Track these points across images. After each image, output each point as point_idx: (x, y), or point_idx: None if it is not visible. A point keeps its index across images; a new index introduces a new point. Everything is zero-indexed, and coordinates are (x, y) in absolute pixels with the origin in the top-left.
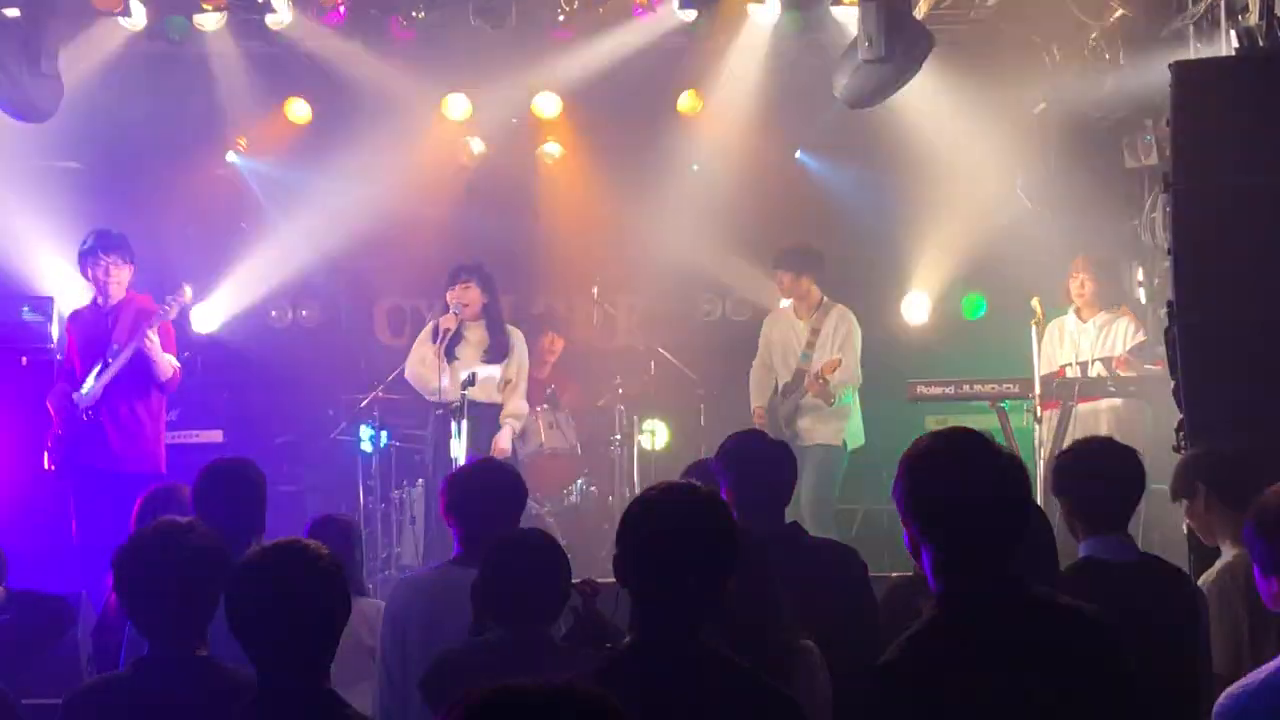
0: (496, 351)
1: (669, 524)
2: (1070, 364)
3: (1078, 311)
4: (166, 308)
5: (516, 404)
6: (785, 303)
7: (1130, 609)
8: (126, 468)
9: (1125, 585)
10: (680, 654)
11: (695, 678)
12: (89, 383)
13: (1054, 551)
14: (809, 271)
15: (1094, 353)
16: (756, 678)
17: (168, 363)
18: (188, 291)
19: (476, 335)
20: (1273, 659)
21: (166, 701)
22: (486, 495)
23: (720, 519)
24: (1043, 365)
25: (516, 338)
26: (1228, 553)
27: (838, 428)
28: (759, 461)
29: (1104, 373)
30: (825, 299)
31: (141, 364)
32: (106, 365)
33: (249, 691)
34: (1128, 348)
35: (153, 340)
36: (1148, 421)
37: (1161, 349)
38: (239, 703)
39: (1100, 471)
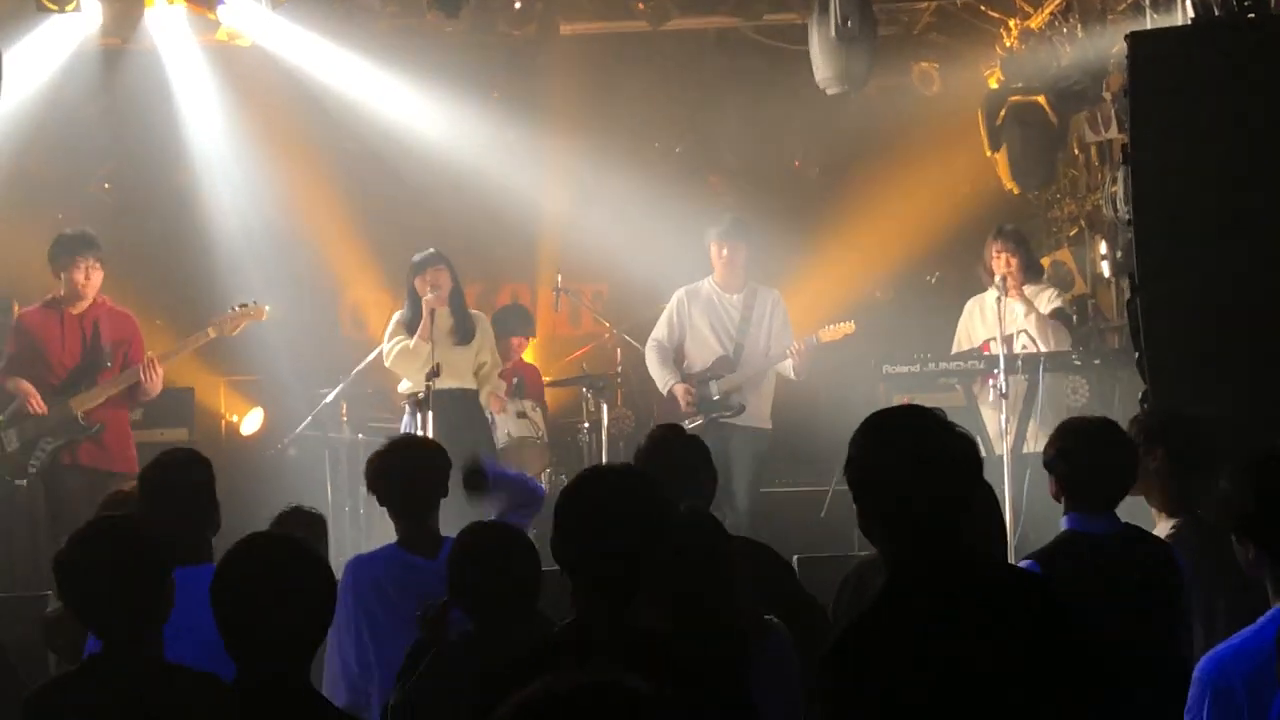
0: (464, 332)
1: (602, 506)
2: (994, 339)
3: (1002, 285)
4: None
5: (494, 385)
6: (705, 280)
7: (1113, 579)
8: (117, 467)
9: (1108, 556)
10: (609, 634)
11: (622, 657)
12: (93, 390)
13: (1003, 528)
14: (750, 244)
15: (1024, 324)
16: (683, 651)
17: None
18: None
19: (445, 319)
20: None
21: (125, 701)
22: (407, 471)
23: (652, 500)
24: (962, 343)
25: (482, 321)
26: (1163, 524)
27: (768, 408)
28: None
29: (1030, 344)
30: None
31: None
32: (103, 373)
33: (211, 690)
34: (1048, 311)
35: (158, 374)
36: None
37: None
38: (201, 702)
39: (1096, 453)
